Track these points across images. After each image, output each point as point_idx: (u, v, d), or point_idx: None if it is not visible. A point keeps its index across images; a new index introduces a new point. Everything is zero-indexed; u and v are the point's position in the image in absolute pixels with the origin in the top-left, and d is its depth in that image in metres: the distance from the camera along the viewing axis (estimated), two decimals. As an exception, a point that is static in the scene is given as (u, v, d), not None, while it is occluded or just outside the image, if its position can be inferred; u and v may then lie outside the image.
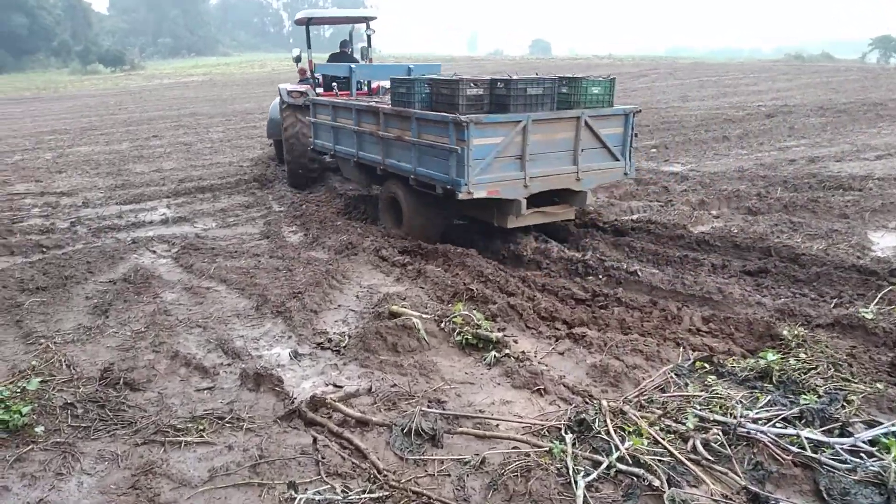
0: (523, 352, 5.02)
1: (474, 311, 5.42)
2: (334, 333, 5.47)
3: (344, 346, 5.13)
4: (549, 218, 7.67)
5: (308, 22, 11.57)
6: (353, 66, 10.25)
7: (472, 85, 6.85)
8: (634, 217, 8.74)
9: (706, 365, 4.65)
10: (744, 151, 13.75)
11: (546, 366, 4.85)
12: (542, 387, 4.48)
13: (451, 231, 8.25)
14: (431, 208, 7.82)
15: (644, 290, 6.39)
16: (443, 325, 5.27)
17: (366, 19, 11.84)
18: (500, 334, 5.10)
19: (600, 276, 6.78)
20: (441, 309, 5.68)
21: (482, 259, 7.30)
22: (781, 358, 4.62)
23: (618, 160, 7.52)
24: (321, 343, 5.21)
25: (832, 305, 5.88)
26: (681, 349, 5.02)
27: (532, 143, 6.86)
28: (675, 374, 4.59)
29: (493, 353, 4.89)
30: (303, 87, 10.81)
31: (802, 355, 4.73)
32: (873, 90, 25.33)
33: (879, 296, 5.81)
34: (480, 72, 36.32)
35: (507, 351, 4.91)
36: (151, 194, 11.42)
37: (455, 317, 5.27)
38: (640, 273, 6.64)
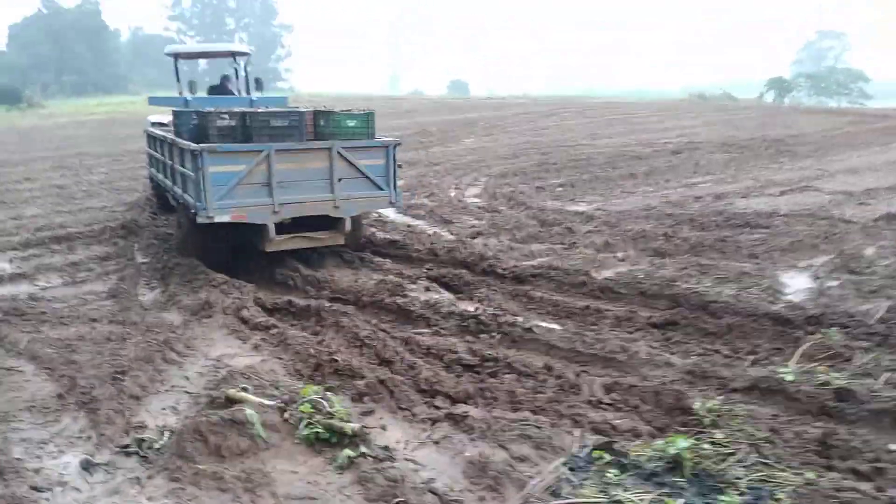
0: (386, 447, 4.02)
1: (329, 394, 4.39)
2: (155, 428, 4.31)
3: (157, 450, 3.98)
4: (312, 243, 7.83)
5: (177, 56, 11.80)
6: (188, 97, 10.41)
7: (222, 116, 7.31)
8: (535, 262, 7.97)
9: (605, 455, 3.79)
10: (651, 189, 13.42)
11: (414, 464, 3.87)
12: (403, 499, 3.50)
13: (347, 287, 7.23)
14: (206, 234, 7.65)
15: (541, 350, 5.55)
16: (288, 414, 4.22)
17: (232, 54, 11.99)
18: (356, 425, 4.08)
19: (493, 334, 5.91)
20: (294, 389, 4.63)
21: (360, 318, 6.32)
22: (694, 442, 3.82)
23: (382, 189, 7.78)
24: (127, 446, 4.04)
25: (748, 364, 5.19)
26: (577, 433, 4.15)
27: (280, 172, 7.19)
28: (570, 469, 3.71)
29: (347, 451, 3.87)
30: (167, 119, 9.92)
31: (718, 435, 3.96)
32: (771, 127, 26.13)
33: (799, 352, 5.17)
34: (391, 110, 35.78)
35: (363, 449, 3.90)
36: (-4, 246, 9.86)
37: (303, 403, 4.23)
38: (535, 329, 5.81)
